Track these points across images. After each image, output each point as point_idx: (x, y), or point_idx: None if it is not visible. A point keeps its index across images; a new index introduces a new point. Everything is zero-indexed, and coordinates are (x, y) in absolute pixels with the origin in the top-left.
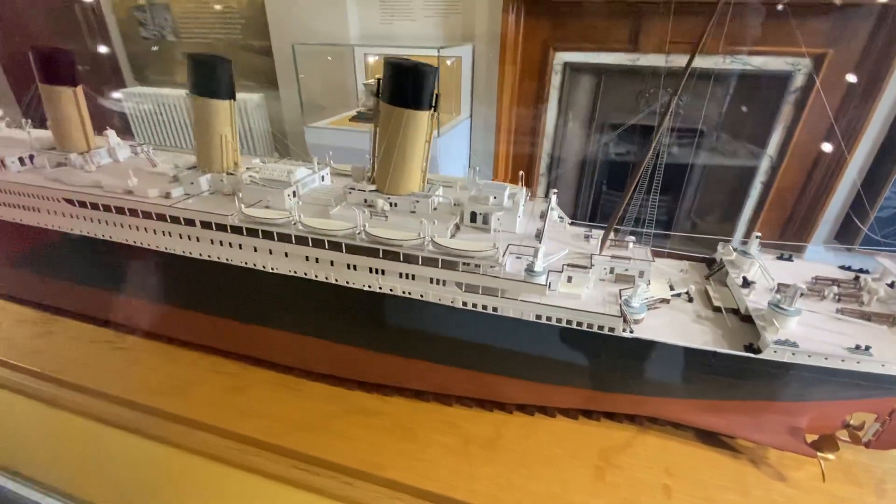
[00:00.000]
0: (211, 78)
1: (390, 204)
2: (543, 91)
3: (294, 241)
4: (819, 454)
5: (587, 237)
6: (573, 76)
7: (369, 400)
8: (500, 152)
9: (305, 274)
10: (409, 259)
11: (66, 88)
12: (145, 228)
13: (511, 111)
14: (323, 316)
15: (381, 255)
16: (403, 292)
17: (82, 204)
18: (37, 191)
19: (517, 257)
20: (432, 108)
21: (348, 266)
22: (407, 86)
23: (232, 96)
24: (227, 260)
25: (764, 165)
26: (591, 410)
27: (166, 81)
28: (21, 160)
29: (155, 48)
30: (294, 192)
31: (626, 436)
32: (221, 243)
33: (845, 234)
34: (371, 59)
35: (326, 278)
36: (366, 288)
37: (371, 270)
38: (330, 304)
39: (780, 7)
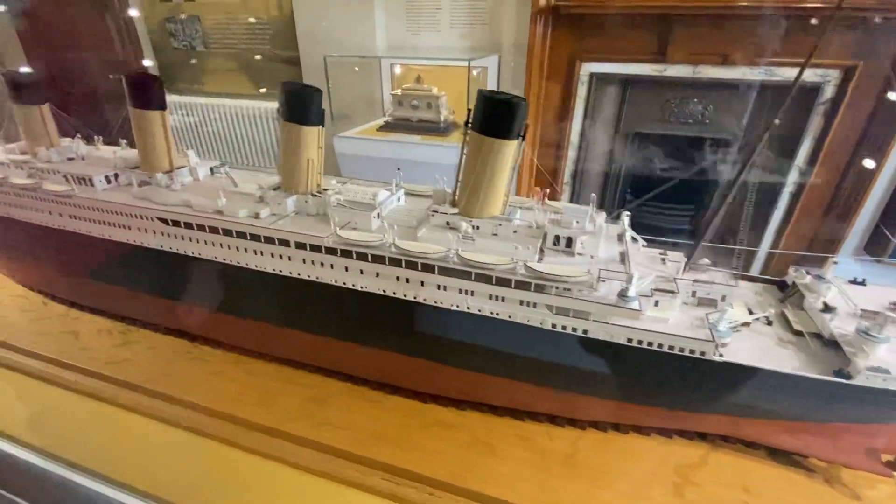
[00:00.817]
0: (303, 106)
1: (473, 227)
2: (569, 101)
3: (388, 263)
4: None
5: (663, 259)
6: (599, 86)
7: (446, 413)
8: (524, 163)
9: (394, 293)
10: (502, 282)
11: (156, 112)
12: (237, 247)
13: (536, 121)
14: (408, 333)
15: (472, 278)
16: (491, 312)
17: (176, 223)
18: (131, 209)
19: (602, 280)
20: (520, 138)
21: (438, 287)
22: (499, 117)
23: (321, 123)
24: (316, 278)
25: (792, 177)
26: (666, 429)
27: (195, 90)
28: (107, 178)
29: (193, 61)
30: (378, 214)
31: (700, 453)
32: (313, 263)
33: (874, 245)
34: (398, 70)
35: (414, 297)
36: (454, 308)
37: (461, 291)
38: (415, 322)
39: (813, 21)
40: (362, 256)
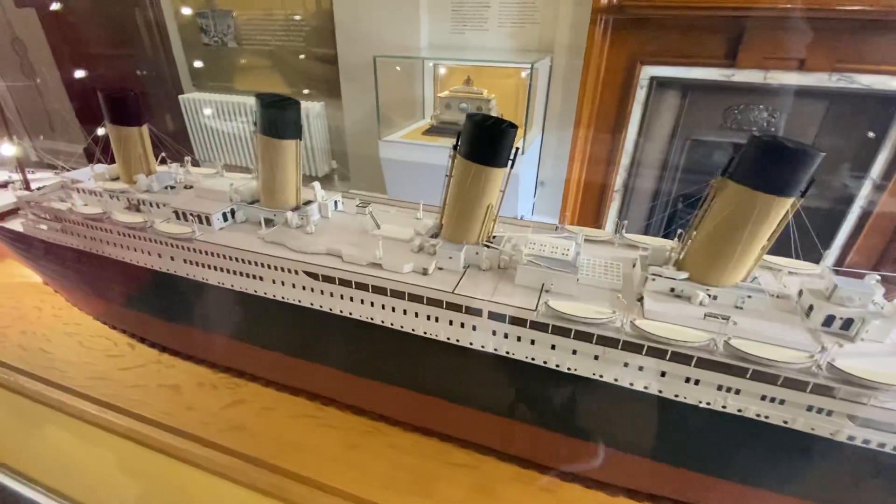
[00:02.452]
0: (493, 145)
1: (711, 297)
2: (626, 106)
3: (621, 347)
4: None
5: None
6: (659, 91)
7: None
8: (573, 171)
9: (616, 380)
10: (791, 384)
11: (290, 142)
12: (405, 310)
13: (590, 127)
14: (660, 436)
15: (748, 375)
16: (757, 415)
17: (329, 279)
18: (271, 260)
19: None
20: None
21: (687, 380)
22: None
23: (504, 164)
24: (507, 353)
25: (865, 190)
26: None
27: (223, 88)
28: (223, 215)
29: (223, 57)
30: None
31: None
32: (506, 336)
33: None
34: (442, 71)
35: (645, 388)
36: (723, 408)
37: (719, 388)
38: (670, 424)
39: None
40: (583, 336)
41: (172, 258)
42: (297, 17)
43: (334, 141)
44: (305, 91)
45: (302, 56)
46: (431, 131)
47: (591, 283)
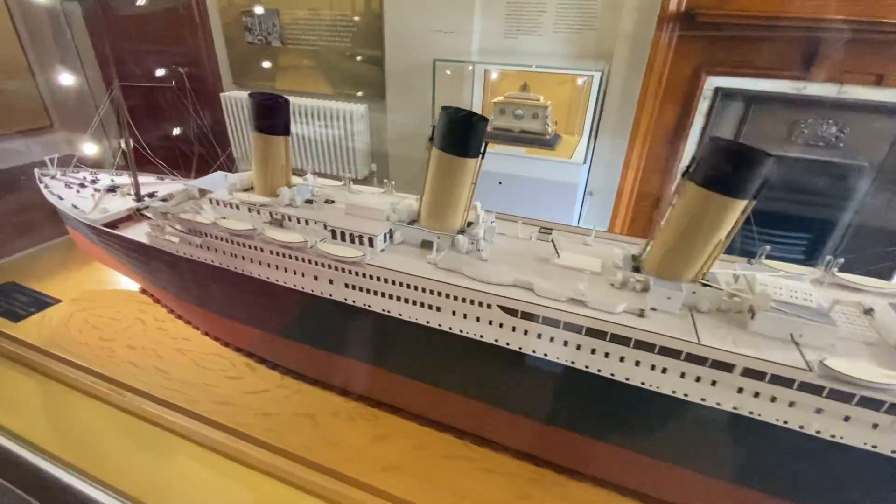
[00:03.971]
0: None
1: None
2: (688, 118)
3: None
4: None
5: None
6: (723, 102)
7: None
8: (624, 187)
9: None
10: None
11: (472, 160)
12: (621, 357)
13: (646, 139)
14: None
15: None
16: None
17: (529, 316)
18: (459, 291)
19: None
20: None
21: None
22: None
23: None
24: (779, 421)
25: None
26: None
27: (266, 87)
28: (384, 236)
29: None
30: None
31: None
32: (758, 395)
33: None
34: (494, 76)
35: None
36: None
37: None
38: None
39: None
40: (869, 402)
41: (331, 281)
42: (345, 18)
43: (375, 143)
44: (353, 93)
45: (348, 57)
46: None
47: (848, 337)
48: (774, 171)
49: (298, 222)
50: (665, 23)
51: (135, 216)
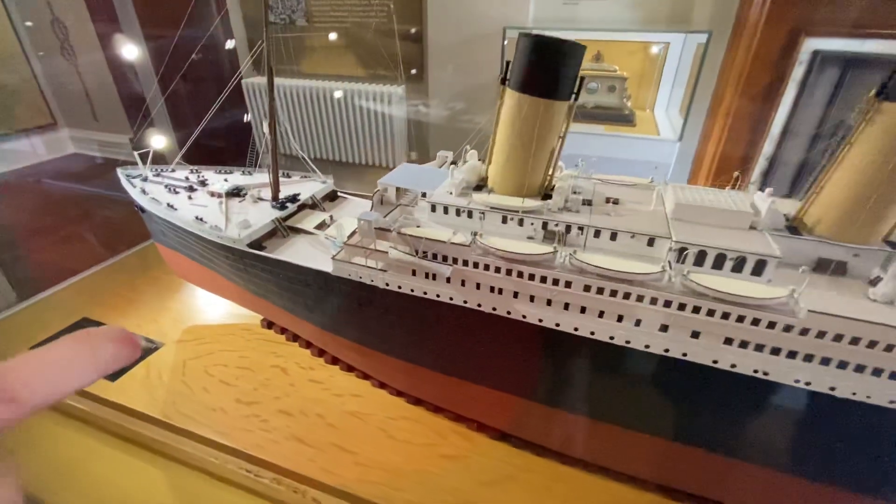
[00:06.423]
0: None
1: None
2: (780, 85)
3: None
4: None
5: None
6: (820, 68)
7: None
8: (705, 152)
9: None
10: None
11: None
12: None
13: (731, 106)
14: None
15: None
16: None
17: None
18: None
19: None
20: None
21: None
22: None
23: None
24: None
25: None
26: None
27: (290, 71)
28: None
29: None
30: None
31: None
32: None
33: None
34: None
35: None
36: None
37: None
38: None
39: None
40: None
41: (732, 341)
42: None
43: (415, 122)
44: (390, 74)
45: (382, 34)
46: None
47: None
48: None
49: (580, 234)
50: None
51: (280, 231)
